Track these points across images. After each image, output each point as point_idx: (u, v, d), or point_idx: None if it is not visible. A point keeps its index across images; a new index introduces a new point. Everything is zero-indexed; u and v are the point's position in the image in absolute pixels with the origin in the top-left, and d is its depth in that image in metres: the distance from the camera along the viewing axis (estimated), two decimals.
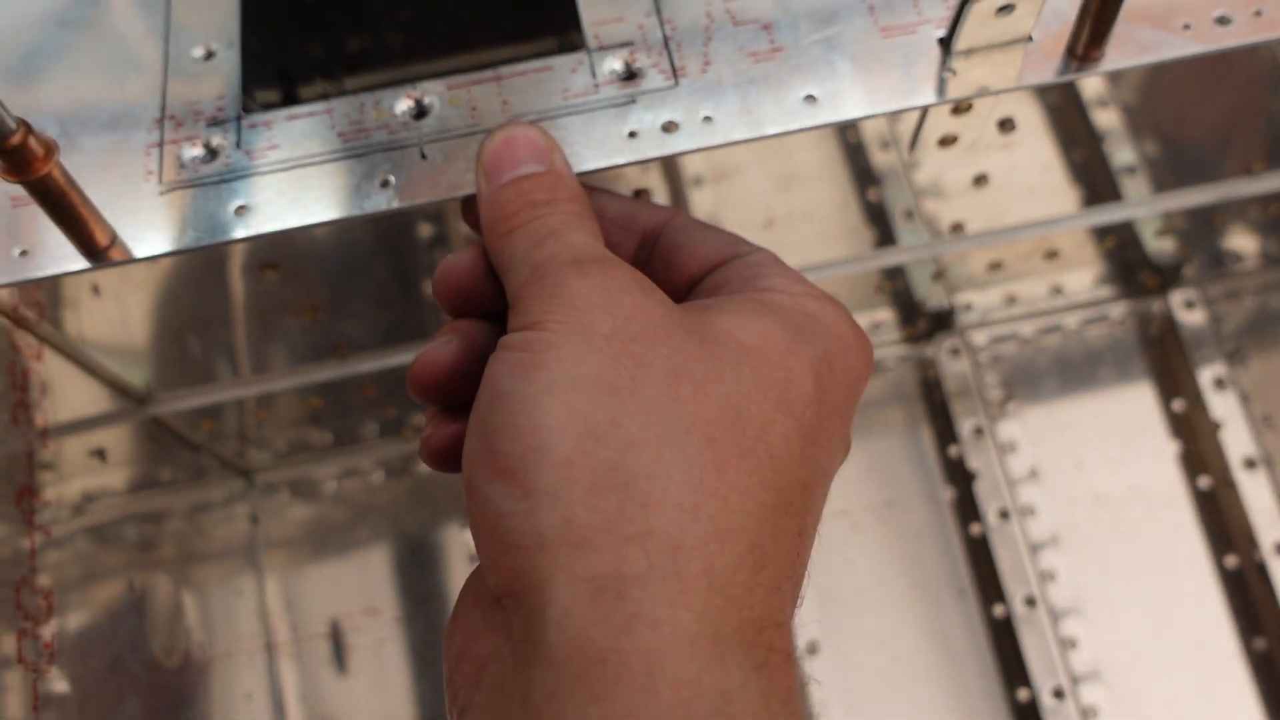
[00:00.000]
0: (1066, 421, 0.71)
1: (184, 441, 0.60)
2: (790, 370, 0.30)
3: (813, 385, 0.30)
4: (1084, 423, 0.71)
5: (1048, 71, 0.40)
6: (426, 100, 0.40)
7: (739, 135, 0.38)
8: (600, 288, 0.30)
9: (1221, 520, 0.68)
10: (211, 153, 0.39)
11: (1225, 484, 0.68)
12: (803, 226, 0.58)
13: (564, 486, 0.26)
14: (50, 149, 0.34)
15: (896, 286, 0.68)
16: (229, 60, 0.42)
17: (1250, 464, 0.67)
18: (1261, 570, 0.65)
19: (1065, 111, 0.60)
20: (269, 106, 0.54)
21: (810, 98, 0.39)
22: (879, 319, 0.71)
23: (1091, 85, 0.58)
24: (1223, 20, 0.40)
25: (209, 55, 0.42)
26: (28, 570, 0.42)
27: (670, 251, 0.36)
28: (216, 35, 0.42)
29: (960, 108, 0.43)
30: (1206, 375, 0.70)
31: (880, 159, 0.61)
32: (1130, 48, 0.39)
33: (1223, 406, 0.68)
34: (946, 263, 0.65)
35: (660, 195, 0.58)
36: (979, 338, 0.72)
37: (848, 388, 0.31)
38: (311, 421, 0.64)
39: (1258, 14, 0.40)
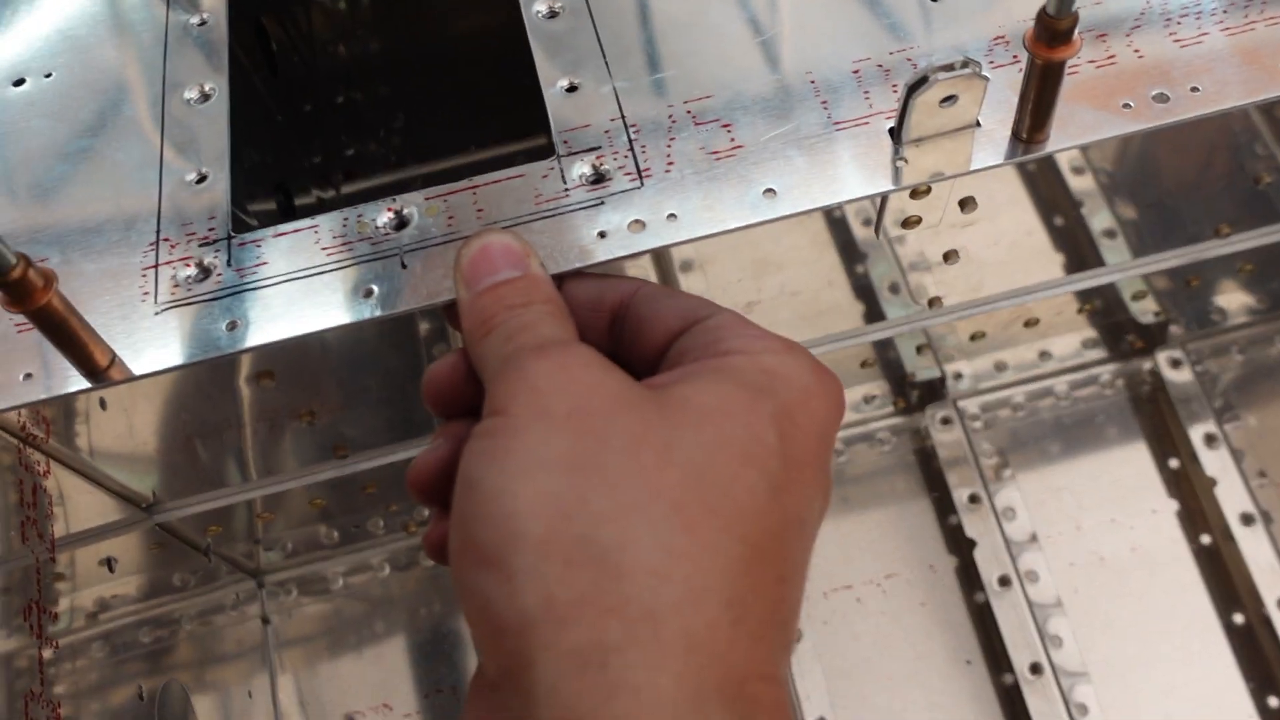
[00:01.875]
0: (1063, 485, 0.72)
1: (191, 546, 0.61)
2: (751, 426, 0.30)
3: (775, 438, 0.30)
4: (1081, 485, 0.72)
5: (997, 154, 0.42)
6: (406, 211, 0.42)
7: (703, 231, 0.40)
8: (559, 366, 0.31)
9: (1226, 577, 0.68)
10: (204, 271, 0.41)
11: (1226, 540, 0.68)
12: (787, 307, 0.60)
13: (541, 567, 0.27)
14: (49, 280, 0.36)
15: (886, 358, 0.69)
16: (220, 182, 0.44)
17: (1248, 519, 0.67)
18: (1269, 626, 0.65)
19: (1041, 178, 0.62)
20: (266, 217, 0.57)
21: (770, 191, 0.41)
22: (870, 392, 0.72)
23: (1065, 153, 0.60)
24: (1161, 97, 0.42)
25: (201, 179, 0.44)
26: (36, 683, 0.44)
27: (636, 324, 0.36)
28: (208, 159, 0.45)
29: (918, 191, 0.45)
30: (1198, 433, 0.70)
31: (863, 235, 0.62)
32: (1072, 129, 0.41)
33: (1216, 463, 0.69)
34: (930, 335, 0.67)
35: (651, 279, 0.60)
36: (970, 406, 0.73)
37: (815, 435, 0.32)
38: (317, 520, 0.66)
39: (1194, 90, 0.42)
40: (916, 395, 0.72)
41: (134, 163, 0.45)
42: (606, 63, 0.45)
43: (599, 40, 0.46)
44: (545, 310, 0.34)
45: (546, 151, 0.44)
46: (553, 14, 0.47)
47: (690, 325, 0.35)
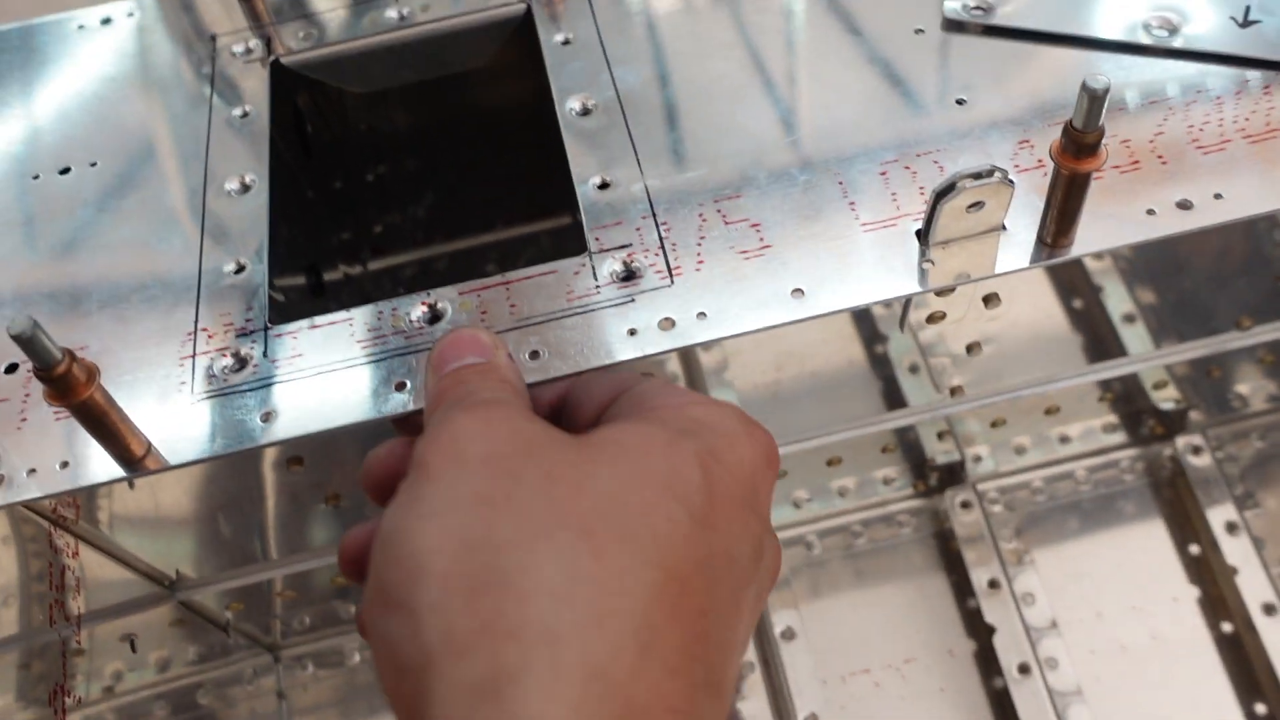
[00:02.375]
0: (1084, 570, 0.71)
1: (211, 622, 0.61)
2: (672, 460, 0.30)
3: (699, 474, 0.30)
4: (1102, 571, 0.72)
5: (1022, 258, 0.42)
6: (440, 305, 0.43)
7: (731, 331, 0.41)
8: (482, 420, 0.31)
9: (1248, 667, 0.68)
10: (241, 362, 0.42)
11: (1248, 629, 0.68)
12: (808, 394, 0.61)
13: (444, 599, 0.27)
14: (92, 374, 0.36)
15: (906, 442, 0.69)
16: (258, 273, 0.45)
17: (1269, 609, 0.67)
18: None
19: (1064, 271, 0.63)
20: (294, 292, 0.57)
21: (798, 291, 0.42)
22: (889, 474, 0.72)
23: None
24: (1184, 204, 0.42)
25: (239, 269, 0.45)
26: None
27: (572, 408, 0.37)
28: (246, 250, 0.46)
29: (943, 290, 0.46)
30: (1218, 519, 0.70)
31: (887, 326, 0.63)
32: (1096, 233, 0.42)
33: (1237, 551, 0.69)
34: (951, 420, 0.67)
35: (674, 367, 0.61)
36: (990, 489, 0.73)
37: (742, 479, 0.31)
38: (336, 597, 0.66)
39: (1217, 196, 0.43)
40: (936, 478, 0.72)
41: (175, 252, 0.46)
42: (638, 160, 0.46)
43: (631, 138, 0.47)
44: (496, 379, 0.34)
45: (573, 230, 0.44)
46: (585, 111, 0.48)
47: (619, 394, 0.35)
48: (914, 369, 0.64)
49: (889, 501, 0.73)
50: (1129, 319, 0.63)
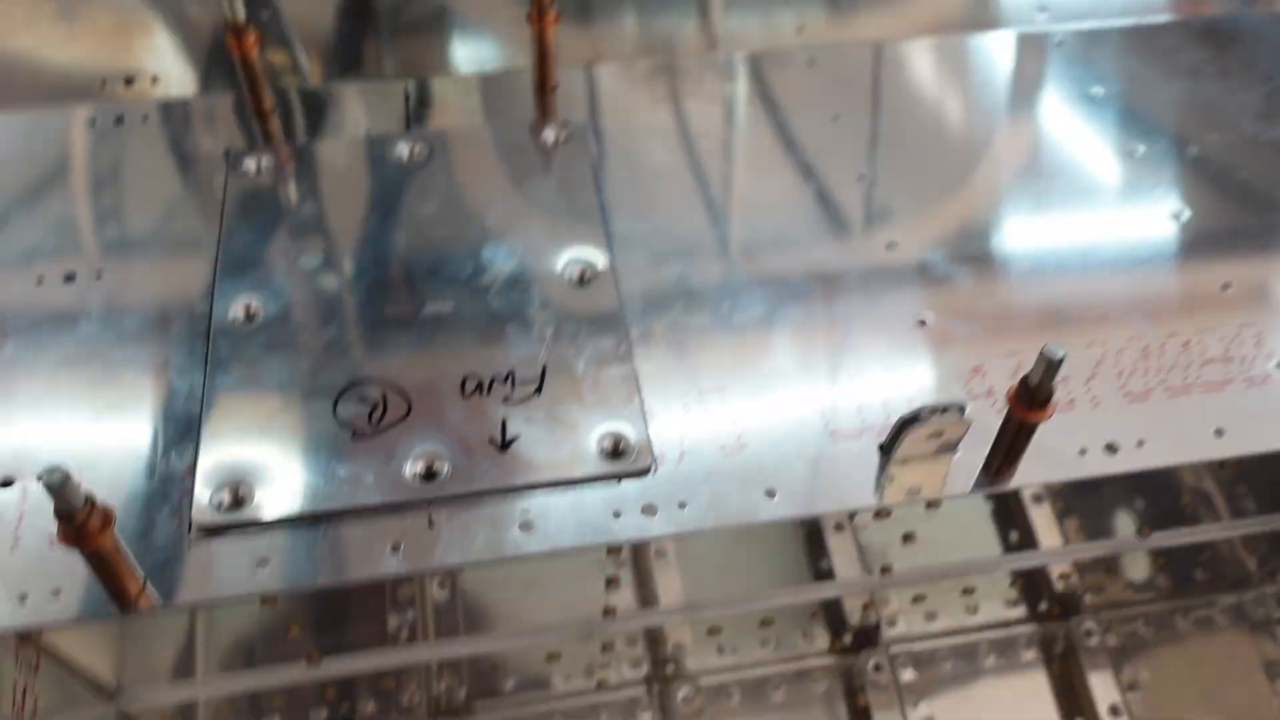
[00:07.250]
0: None
1: None
2: None
3: None
4: None
5: (967, 483, 0.47)
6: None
7: (709, 524, 0.44)
8: None
9: None
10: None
11: None
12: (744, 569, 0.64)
13: None
14: (107, 522, 0.38)
15: (829, 605, 0.73)
16: None
17: None
18: None
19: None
20: None
21: (770, 492, 0.45)
22: (811, 632, 0.76)
23: None
24: (1111, 448, 0.48)
25: None
26: None
27: None
28: None
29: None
30: (1104, 702, 0.75)
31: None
32: (1032, 467, 0.46)
33: None
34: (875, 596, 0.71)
35: None
36: (901, 653, 0.77)
37: None
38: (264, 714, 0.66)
39: (1140, 444, 0.48)
40: (851, 639, 0.76)
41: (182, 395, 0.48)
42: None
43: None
44: None
45: None
46: None
47: None
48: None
49: (807, 656, 0.77)
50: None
